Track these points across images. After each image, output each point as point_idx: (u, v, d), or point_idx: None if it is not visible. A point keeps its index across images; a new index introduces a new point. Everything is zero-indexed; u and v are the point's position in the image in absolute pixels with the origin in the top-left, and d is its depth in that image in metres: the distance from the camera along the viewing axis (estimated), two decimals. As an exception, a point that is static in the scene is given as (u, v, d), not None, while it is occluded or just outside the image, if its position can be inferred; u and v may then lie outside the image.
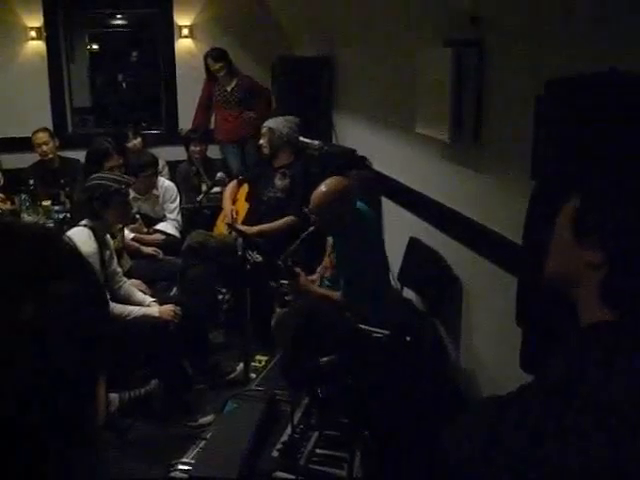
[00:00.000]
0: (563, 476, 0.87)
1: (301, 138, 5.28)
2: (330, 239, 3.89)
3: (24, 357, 0.58)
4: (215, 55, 6.37)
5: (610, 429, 0.87)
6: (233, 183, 5.27)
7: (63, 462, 0.63)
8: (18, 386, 0.58)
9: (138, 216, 4.96)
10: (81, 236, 3.63)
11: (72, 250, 0.68)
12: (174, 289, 4.74)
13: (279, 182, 4.86)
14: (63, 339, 0.61)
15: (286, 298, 3.74)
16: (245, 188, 5.19)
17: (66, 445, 0.63)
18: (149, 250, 4.82)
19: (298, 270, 3.66)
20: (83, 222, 3.75)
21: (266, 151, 4.90)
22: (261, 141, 4.93)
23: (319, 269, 3.97)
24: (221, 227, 5.13)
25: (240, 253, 3.76)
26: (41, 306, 0.60)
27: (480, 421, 1.04)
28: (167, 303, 3.97)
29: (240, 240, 4.08)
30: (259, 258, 3.72)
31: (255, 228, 4.72)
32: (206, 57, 6.41)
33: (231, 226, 4.51)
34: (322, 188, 3.61)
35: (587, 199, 1.08)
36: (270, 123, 4.94)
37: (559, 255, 1.13)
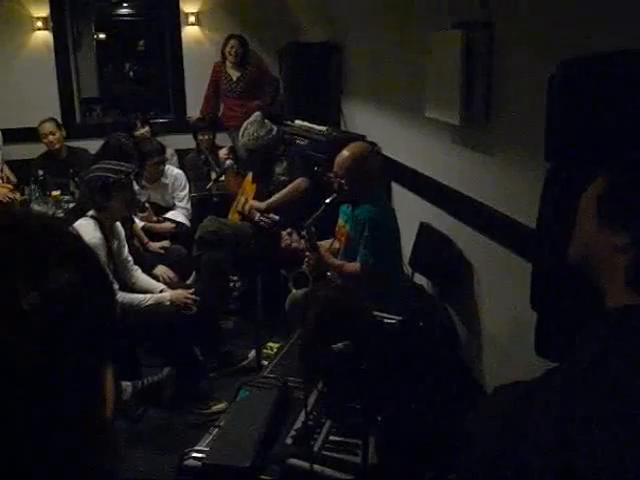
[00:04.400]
0: (590, 462, 0.86)
1: (307, 124, 5.27)
2: (342, 218, 3.84)
3: (25, 346, 0.57)
4: (241, 40, 6.35)
5: (637, 414, 0.85)
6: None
7: (70, 452, 0.62)
8: (18, 375, 0.57)
9: (148, 205, 4.95)
10: (86, 227, 3.63)
11: (74, 239, 0.67)
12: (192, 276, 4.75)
13: (278, 169, 4.86)
14: (65, 328, 0.60)
15: (302, 271, 3.71)
16: (250, 175, 5.19)
17: (73, 436, 0.62)
18: (155, 247, 4.77)
19: (318, 242, 3.66)
20: (90, 213, 3.75)
21: (269, 158, 4.88)
22: (254, 160, 4.89)
23: (330, 247, 3.94)
24: (233, 217, 5.13)
25: (256, 218, 3.76)
26: (42, 295, 0.58)
27: (504, 407, 1.02)
28: (177, 288, 3.98)
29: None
30: (276, 217, 3.70)
31: (263, 203, 4.74)
32: (231, 37, 6.36)
33: (241, 214, 4.52)
34: (346, 152, 3.58)
35: (612, 181, 1.06)
36: (249, 145, 4.78)
37: (583, 239, 1.11)
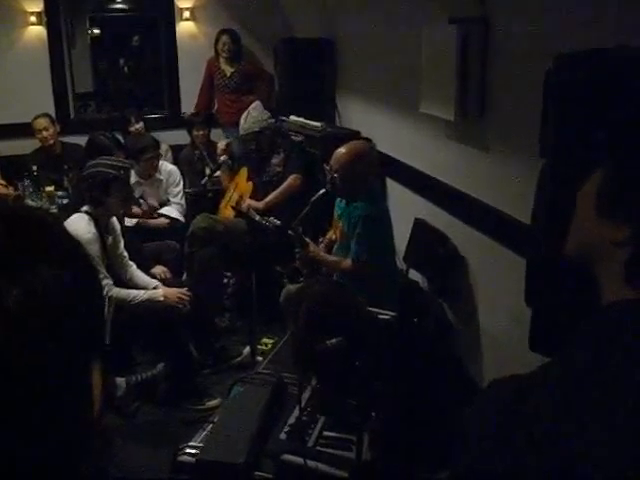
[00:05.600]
0: (587, 459, 0.85)
1: (302, 120, 5.28)
2: (337, 211, 3.84)
3: (11, 343, 0.56)
4: (233, 35, 6.33)
5: (635, 413, 0.84)
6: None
7: (55, 449, 0.61)
8: (9, 374, 0.56)
9: (142, 200, 4.94)
10: (80, 222, 3.61)
11: (63, 235, 0.66)
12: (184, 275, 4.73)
13: (275, 160, 4.91)
14: (52, 325, 0.58)
15: (296, 265, 3.71)
16: (244, 171, 5.19)
17: (60, 434, 0.61)
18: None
19: (307, 239, 3.65)
20: (84, 208, 3.72)
21: (268, 148, 4.90)
22: (254, 146, 4.90)
23: (325, 240, 3.93)
24: (225, 211, 5.12)
25: (257, 219, 3.79)
26: (26, 291, 0.57)
27: (499, 402, 1.01)
28: (173, 287, 3.96)
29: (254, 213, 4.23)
30: (277, 222, 3.71)
31: (261, 202, 4.74)
32: (222, 33, 6.33)
33: (236, 209, 4.51)
34: (345, 148, 3.57)
35: (611, 173, 1.04)
36: (254, 127, 4.87)
37: (580, 232, 1.10)
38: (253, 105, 4.99)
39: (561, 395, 0.92)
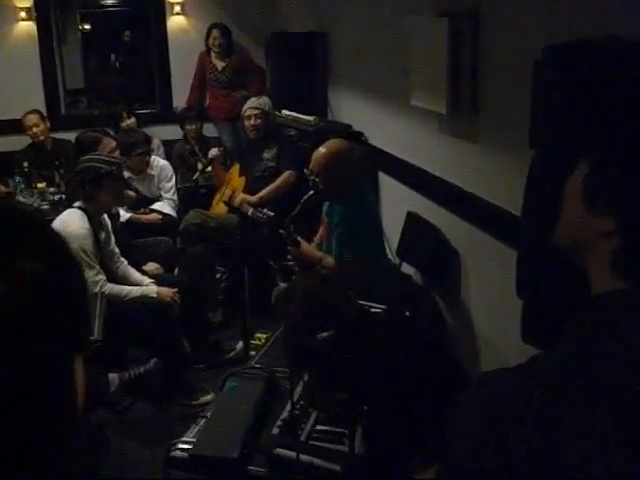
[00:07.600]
0: (574, 448, 0.85)
1: (295, 114, 5.29)
2: (324, 208, 3.84)
3: None
4: (223, 29, 6.32)
5: (622, 404, 0.84)
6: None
7: (37, 445, 0.60)
8: None
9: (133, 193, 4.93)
10: (73, 218, 3.60)
11: (45, 229, 0.65)
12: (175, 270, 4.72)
13: (267, 154, 4.92)
14: (33, 321, 0.58)
15: (289, 264, 3.70)
16: (236, 167, 5.20)
17: (42, 428, 0.60)
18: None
19: (299, 238, 3.64)
20: (77, 204, 3.71)
21: (260, 135, 4.91)
22: (252, 122, 4.90)
23: (316, 239, 3.92)
24: (217, 207, 5.12)
25: (250, 213, 3.80)
26: (9, 287, 0.57)
27: (489, 394, 1.01)
28: (166, 284, 3.95)
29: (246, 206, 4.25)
30: (271, 213, 3.71)
31: (255, 197, 4.74)
32: (213, 27, 6.33)
33: (228, 204, 4.50)
34: (323, 149, 3.52)
35: (597, 165, 1.05)
36: (263, 105, 4.96)
37: (568, 224, 1.10)
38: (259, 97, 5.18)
39: (547, 387, 0.92)
